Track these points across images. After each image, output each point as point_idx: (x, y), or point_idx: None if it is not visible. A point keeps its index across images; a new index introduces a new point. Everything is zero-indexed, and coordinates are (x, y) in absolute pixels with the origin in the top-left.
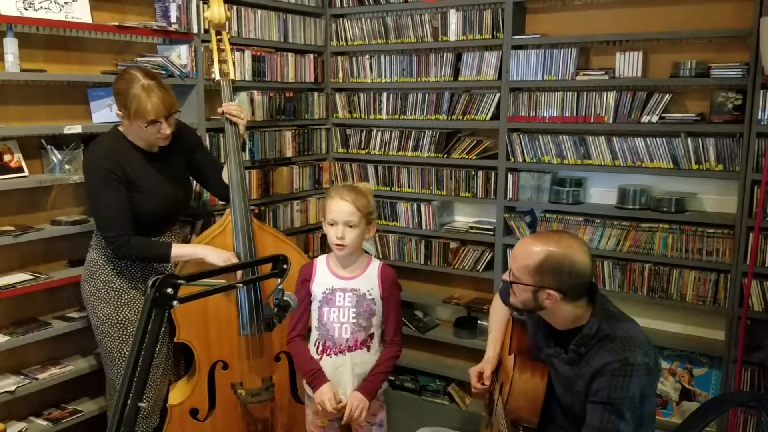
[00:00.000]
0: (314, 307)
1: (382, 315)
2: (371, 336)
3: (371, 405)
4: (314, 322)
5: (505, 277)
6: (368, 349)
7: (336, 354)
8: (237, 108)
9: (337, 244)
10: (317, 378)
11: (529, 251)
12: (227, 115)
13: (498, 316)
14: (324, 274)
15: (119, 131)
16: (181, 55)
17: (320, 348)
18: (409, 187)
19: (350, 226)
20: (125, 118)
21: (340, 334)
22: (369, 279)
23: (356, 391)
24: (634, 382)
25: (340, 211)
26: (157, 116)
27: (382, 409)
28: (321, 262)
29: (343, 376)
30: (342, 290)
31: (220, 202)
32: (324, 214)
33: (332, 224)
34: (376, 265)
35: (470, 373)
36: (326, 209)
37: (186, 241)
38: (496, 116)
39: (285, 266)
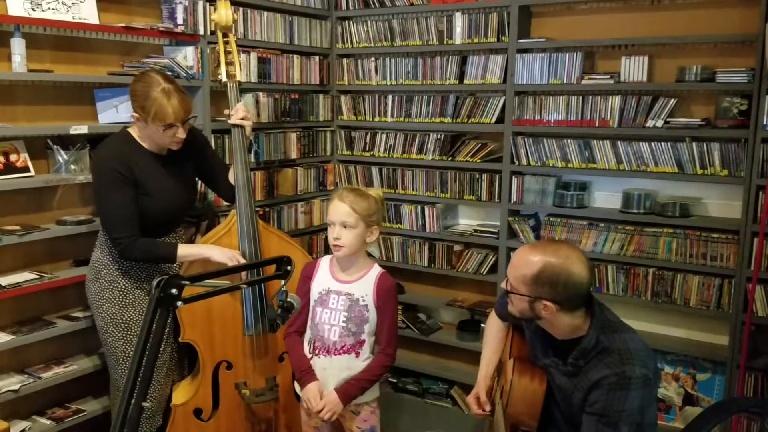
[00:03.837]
0: (311, 306)
1: (375, 323)
2: (361, 343)
3: (362, 411)
4: (309, 321)
5: (503, 285)
6: (357, 356)
7: (324, 355)
8: (243, 111)
9: (334, 245)
10: (305, 376)
11: (526, 261)
12: (236, 122)
13: (492, 334)
14: (324, 275)
15: (128, 133)
16: (187, 56)
17: (311, 348)
18: (413, 190)
19: (346, 227)
20: (141, 121)
21: (329, 336)
22: (365, 285)
23: (334, 390)
24: (631, 396)
25: (336, 212)
26: (176, 120)
27: (374, 415)
28: (324, 262)
29: (329, 379)
30: (337, 293)
31: (225, 203)
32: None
33: (330, 225)
34: (375, 272)
35: (469, 402)
36: (327, 210)
37: (191, 241)
38: (501, 119)
39: (289, 268)
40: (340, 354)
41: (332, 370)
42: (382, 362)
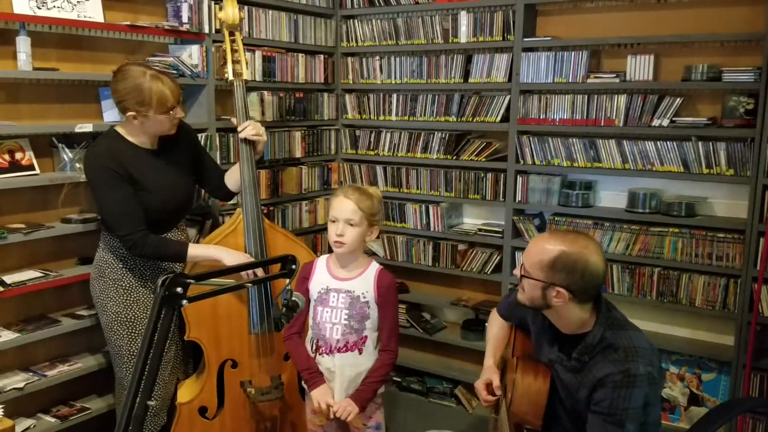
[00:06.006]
0: (311, 305)
1: (377, 319)
2: (363, 339)
3: (368, 407)
4: (310, 321)
5: (516, 272)
6: (360, 353)
7: (327, 354)
8: (253, 128)
9: (336, 242)
10: (314, 378)
11: (543, 248)
12: (249, 137)
13: (495, 329)
14: (322, 274)
15: (116, 131)
16: (192, 55)
17: (314, 347)
18: (417, 189)
19: (350, 225)
20: (141, 116)
21: (332, 334)
22: (365, 281)
23: (349, 398)
24: (636, 393)
25: (342, 209)
26: (175, 100)
27: (379, 411)
28: (321, 261)
29: (333, 377)
30: (336, 291)
31: (230, 203)
32: (328, 211)
33: (333, 221)
34: (374, 268)
35: (477, 388)
36: (330, 206)
37: (194, 241)
38: (506, 118)
39: (294, 266)
40: (343, 352)
41: (336, 369)
42: (386, 360)
